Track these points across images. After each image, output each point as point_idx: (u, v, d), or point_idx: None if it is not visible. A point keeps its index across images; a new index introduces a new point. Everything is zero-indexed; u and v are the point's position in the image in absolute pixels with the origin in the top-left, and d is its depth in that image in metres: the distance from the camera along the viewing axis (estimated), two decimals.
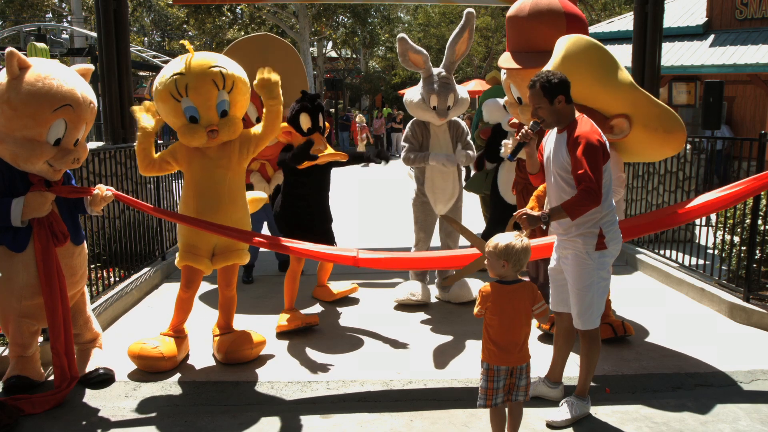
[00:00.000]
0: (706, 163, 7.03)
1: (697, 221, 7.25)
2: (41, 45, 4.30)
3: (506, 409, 3.13)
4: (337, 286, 5.74)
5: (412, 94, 5.44)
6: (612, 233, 3.40)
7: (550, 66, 4.24)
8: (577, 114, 3.45)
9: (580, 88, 4.15)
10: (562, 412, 3.48)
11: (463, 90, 5.46)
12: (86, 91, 3.72)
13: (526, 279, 3.28)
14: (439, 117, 5.24)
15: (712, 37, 13.57)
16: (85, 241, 4.00)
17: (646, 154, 4.63)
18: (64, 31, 22.64)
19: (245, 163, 4.28)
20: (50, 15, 32.59)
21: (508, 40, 5.58)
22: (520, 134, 3.61)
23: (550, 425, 3.42)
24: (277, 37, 6.31)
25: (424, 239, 5.57)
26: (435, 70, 5.35)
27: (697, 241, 7.12)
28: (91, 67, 4.01)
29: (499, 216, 6.16)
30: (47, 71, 3.55)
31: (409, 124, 5.60)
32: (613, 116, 4.24)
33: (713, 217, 6.40)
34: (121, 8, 7.02)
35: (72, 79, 3.65)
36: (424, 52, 5.36)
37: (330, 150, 4.84)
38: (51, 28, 21.78)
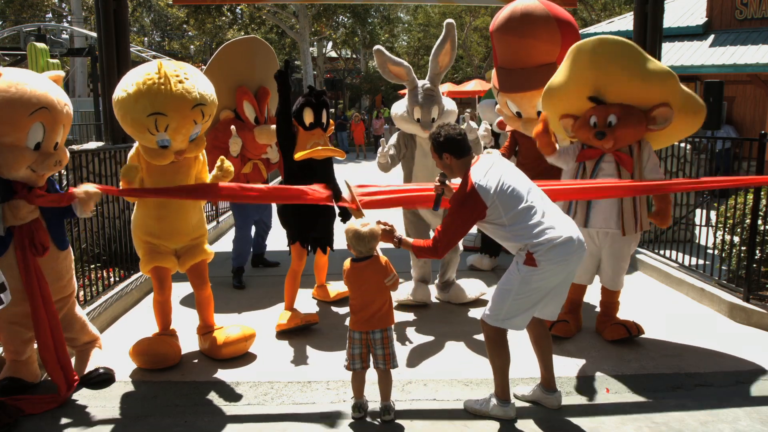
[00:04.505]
0: (706, 162, 7.02)
1: (697, 221, 7.26)
2: (41, 45, 4.30)
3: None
4: (337, 287, 5.74)
5: (398, 107, 5.42)
6: (545, 254, 3.32)
7: (565, 74, 4.22)
8: (474, 161, 3.52)
9: (617, 87, 4.15)
10: (477, 402, 3.61)
11: (449, 102, 5.42)
12: (59, 95, 3.68)
13: (378, 254, 3.54)
14: (424, 129, 5.22)
15: (712, 37, 13.56)
16: (70, 246, 4.00)
17: (673, 138, 4.58)
18: (64, 31, 22.62)
19: None
20: (50, 15, 32.59)
21: (496, 54, 5.52)
22: (434, 186, 3.79)
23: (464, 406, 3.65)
24: (261, 40, 6.36)
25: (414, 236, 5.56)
26: (420, 82, 5.30)
27: (697, 241, 7.12)
28: (62, 73, 3.98)
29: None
30: (18, 78, 3.53)
31: (395, 134, 5.59)
32: (654, 107, 4.19)
33: (713, 216, 6.40)
34: (121, 8, 7.01)
35: (44, 83, 3.63)
36: (406, 63, 5.31)
37: (329, 146, 4.84)
38: (51, 29, 21.75)
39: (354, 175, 16.22)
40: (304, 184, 4.33)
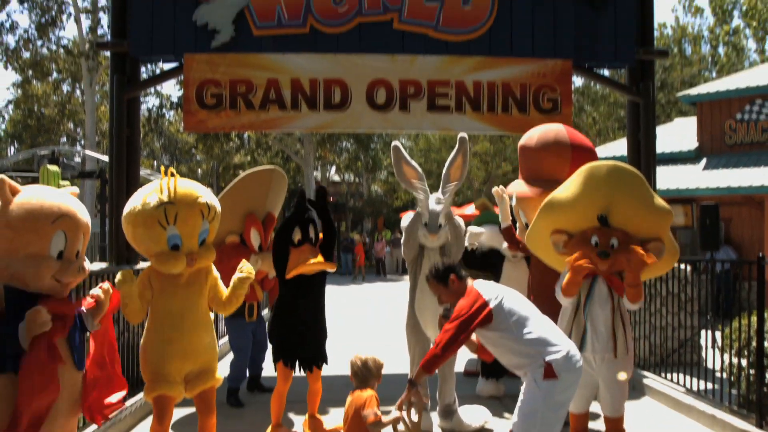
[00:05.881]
0: (707, 283, 7.03)
1: (702, 342, 7.14)
2: (54, 168, 4.43)
3: None
4: (334, 417, 5.30)
5: (408, 216, 5.57)
6: (565, 363, 3.31)
7: (572, 190, 4.33)
8: (469, 284, 3.67)
9: (625, 213, 4.25)
10: None
11: (457, 218, 5.56)
12: (77, 205, 3.78)
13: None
14: (430, 233, 5.28)
15: (704, 161, 13.97)
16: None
17: (650, 273, 4.64)
18: (77, 155, 23.36)
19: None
20: (65, 139, 33.78)
21: (520, 168, 5.77)
22: (438, 323, 3.92)
23: None
24: (280, 171, 6.52)
25: (418, 363, 5.45)
26: (432, 195, 5.46)
27: (704, 364, 6.98)
28: (76, 189, 4.11)
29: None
30: (36, 190, 3.64)
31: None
32: (649, 239, 4.30)
33: (719, 338, 6.31)
34: (134, 135, 7.31)
35: (61, 194, 3.75)
36: (419, 169, 5.49)
37: (320, 259, 4.87)
38: (64, 152, 22.49)
39: (353, 298, 16.18)
40: (297, 302, 4.39)
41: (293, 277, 4.75)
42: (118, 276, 4.10)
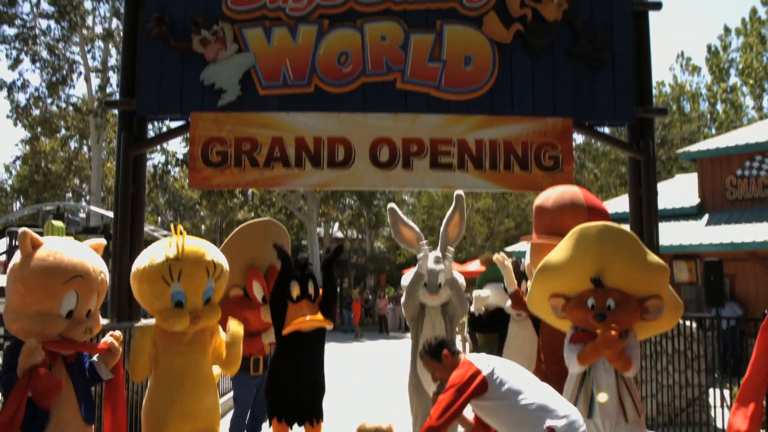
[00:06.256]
0: (713, 340, 6.96)
1: (711, 401, 7.02)
2: (58, 223, 4.50)
3: None
4: None
5: (408, 274, 5.57)
6: (569, 429, 3.33)
7: (565, 254, 4.33)
8: (462, 358, 3.75)
9: (619, 273, 4.24)
10: None
11: (458, 275, 5.56)
12: (96, 263, 3.80)
13: None
14: (430, 293, 5.29)
15: (706, 216, 14.01)
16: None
17: (651, 331, 4.63)
18: (81, 210, 23.53)
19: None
20: (70, 195, 34.08)
21: (535, 228, 5.81)
22: (431, 399, 3.96)
23: None
24: (276, 223, 6.58)
25: (420, 423, 5.37)
26: (431, 253, 5.48)
27: (713, 423, 6.84)
28: (103, 241, 4.14)
29: None
30: (57, 246, 3.67)
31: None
32: (647, 297, 4.28)
33: (728, 396, 6.21)
34: (140, 191, 7.38)
35: (82, 251, 3.76)
36: (417, 230, 5.52)
37: (318, 316, 4.84)
38: (69, 208, 22.67)
39: (354, 355, 16.00)
40: (294, 358, 4.34)
41: (290, 333, 4.71)
42: (138, 328, 4.09)
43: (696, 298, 12.45)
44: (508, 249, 18.56)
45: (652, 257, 4.27)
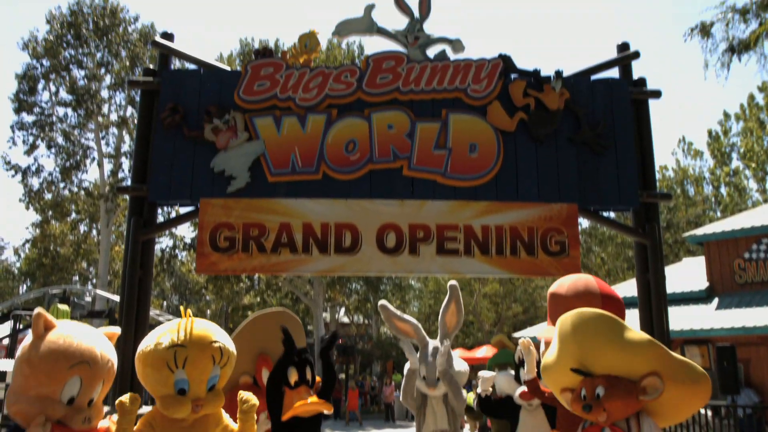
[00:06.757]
0: (729, 428, 6.75)
1: None
2: (63, 307, 4.49)
3: None
4: None
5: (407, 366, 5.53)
6: None
7: (554, 349, 4.29)
8: None
9: (599, 359, 4.17)
10: None
11: (461, 363, 5.51)
12: (106, 350, 3.77)
13: None
14: (428, 387, 5.24)
15: (716, 300, 13.88)
16: None
17: (679, 412, 4.42)
18: (87, 294, 23.52)
19: None
20: (77, 278, 34.14)
21: (549, 315, 5.78)
22: None
23: None
24: (290, 313, 6.55)
25: None
26: (431, 342, 5.44)
27: None
28: (118, 330, 4.12)
29: None
30: (69, 330, 3.66)
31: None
32: (642, 376, 4.18)
33: None
34: (147, 276, 7.39)
35: (94, 338, 3.75)
36: (413, 321, 5.50)
37: (314, 399, 4.74)
38: (75, 291, 22.68)
39: None
40: None
41: (289, 419, 4.62)
42: (127, 397, 3.96)
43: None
44: (516, 334, 18.33)
45: (630, 334, 4.14)
